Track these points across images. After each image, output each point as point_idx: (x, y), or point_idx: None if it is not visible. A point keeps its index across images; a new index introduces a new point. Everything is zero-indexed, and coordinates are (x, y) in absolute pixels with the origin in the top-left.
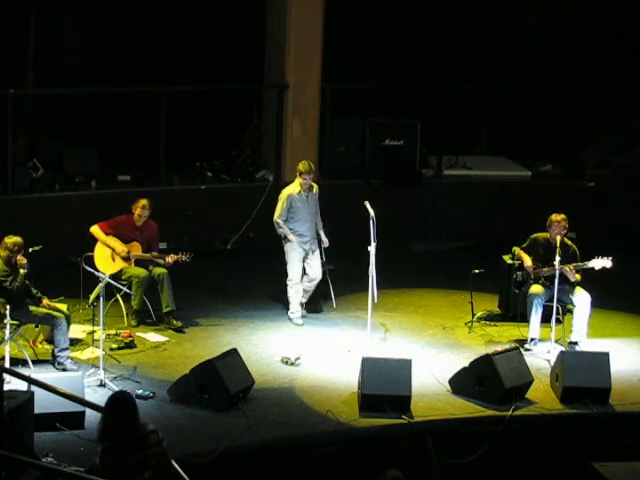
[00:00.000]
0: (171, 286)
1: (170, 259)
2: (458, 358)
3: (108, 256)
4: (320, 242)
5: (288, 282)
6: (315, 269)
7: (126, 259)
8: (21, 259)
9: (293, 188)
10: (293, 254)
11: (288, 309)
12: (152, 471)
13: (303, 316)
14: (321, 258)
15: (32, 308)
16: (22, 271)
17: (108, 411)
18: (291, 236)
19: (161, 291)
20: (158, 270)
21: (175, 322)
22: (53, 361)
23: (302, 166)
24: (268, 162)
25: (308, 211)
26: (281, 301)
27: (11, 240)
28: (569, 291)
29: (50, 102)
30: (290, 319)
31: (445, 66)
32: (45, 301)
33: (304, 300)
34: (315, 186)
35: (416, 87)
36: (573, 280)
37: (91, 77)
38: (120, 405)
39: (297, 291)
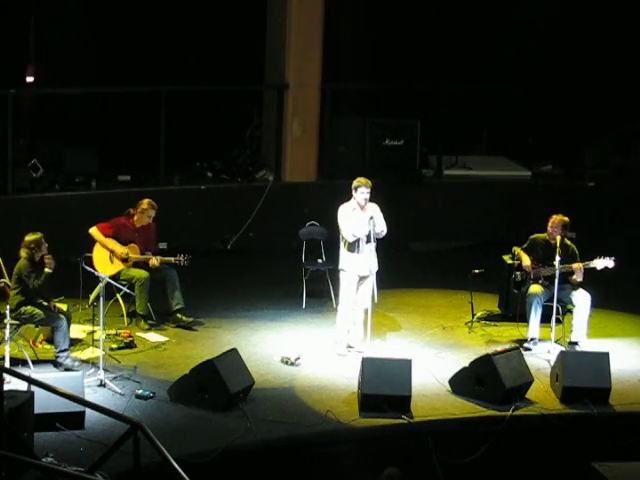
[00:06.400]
0: (179, 285)
1: (155, 261)
2: (458, 358)
3: (106, 257)
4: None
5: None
6: (361, 297)
7: (124, 260)
8: (49, 258)
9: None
10: (344, 277)
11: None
12: None
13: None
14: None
15: (32, 308)
16: (47, 270)
17: None
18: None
19: (170, 289)
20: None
21: (185, 318)
22: (55, 362)
23: (356, 181)
24: (268, 162)
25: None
26: (281, 301)
27: (29, 237)
28: (569, 291)
29: (50, 102)
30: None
31: (445, 66)
32: (52, 303)
33: (356, 336)
34: (372, 206)
35: (416, 87)
36: (580, 280)
37: (91, 77)
38: None
39: (345, 317)
